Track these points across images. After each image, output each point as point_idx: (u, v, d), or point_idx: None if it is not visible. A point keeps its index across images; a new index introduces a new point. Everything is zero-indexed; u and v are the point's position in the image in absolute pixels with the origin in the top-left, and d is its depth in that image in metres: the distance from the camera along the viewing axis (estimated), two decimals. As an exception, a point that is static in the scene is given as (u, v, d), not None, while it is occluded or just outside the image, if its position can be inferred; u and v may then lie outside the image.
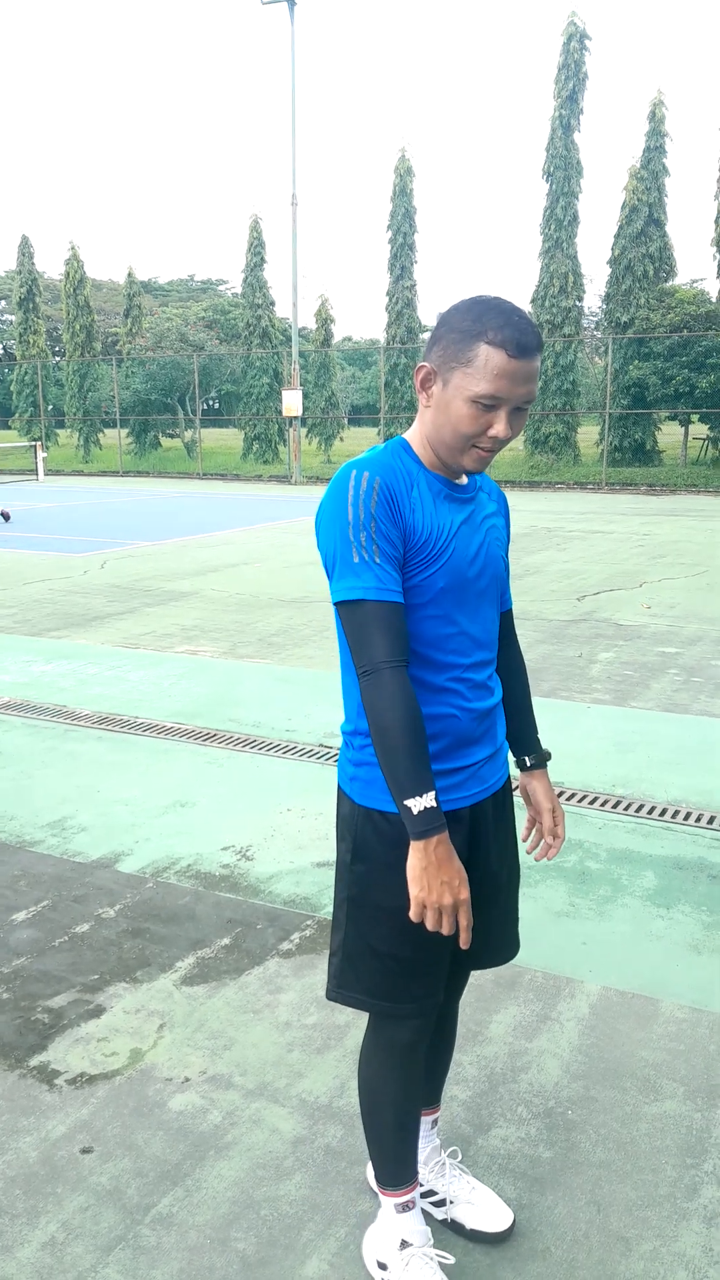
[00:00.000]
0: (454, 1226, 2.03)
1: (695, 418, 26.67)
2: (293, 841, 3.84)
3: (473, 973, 2.48)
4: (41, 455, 29.73)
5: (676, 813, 4.10)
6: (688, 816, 4.06)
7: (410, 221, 31.17)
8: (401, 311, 31.40)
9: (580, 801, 4.22)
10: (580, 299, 28.11)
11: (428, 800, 1.57)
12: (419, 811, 1.57)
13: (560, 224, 27.29)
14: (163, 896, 3.42)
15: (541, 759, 1.98)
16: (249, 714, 5.52)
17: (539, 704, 5.46)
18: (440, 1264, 1.88)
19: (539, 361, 1.63)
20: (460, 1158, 2.16)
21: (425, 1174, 2.07)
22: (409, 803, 1.57)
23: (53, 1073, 2.50)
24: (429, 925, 1.59)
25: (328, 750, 4.89)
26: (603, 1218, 2.04)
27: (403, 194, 30.95)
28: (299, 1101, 2.38)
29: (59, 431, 40.60)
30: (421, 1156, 2.07)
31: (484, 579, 1.77)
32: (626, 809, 4.13)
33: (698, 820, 4.02)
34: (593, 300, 30.62)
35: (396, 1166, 1.89)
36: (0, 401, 48.83)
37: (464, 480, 1.77)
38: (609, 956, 3.01)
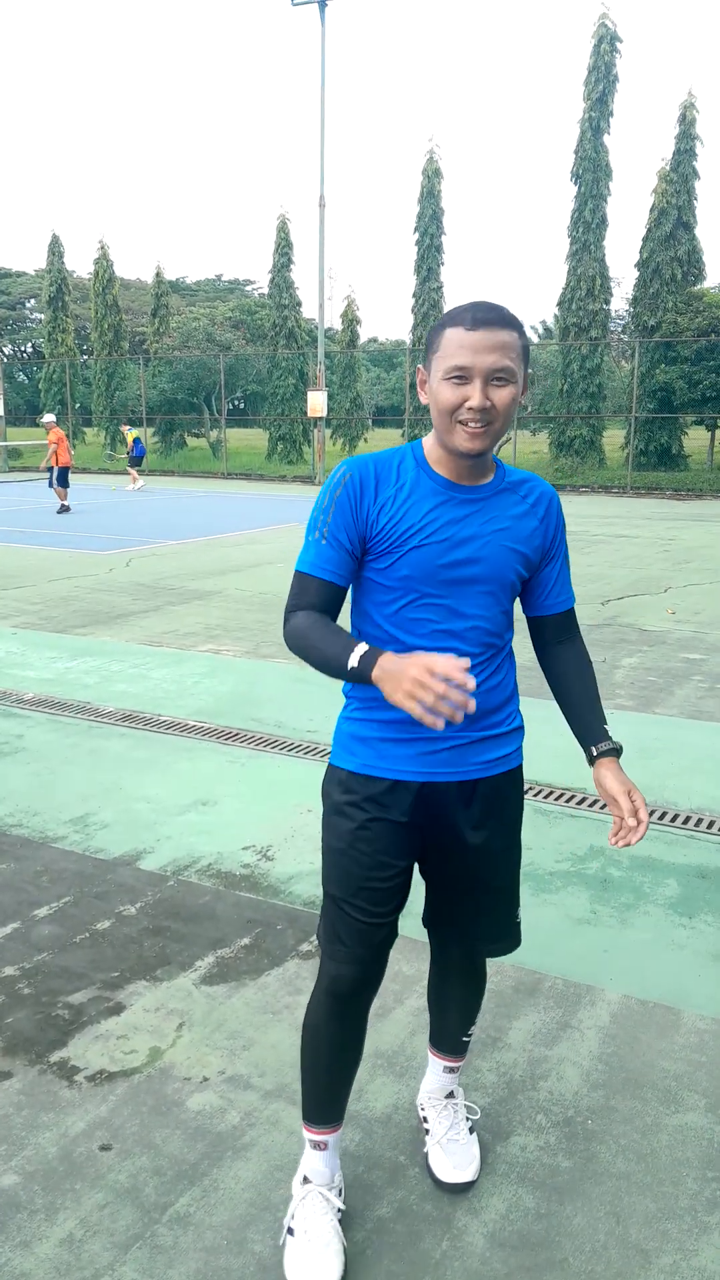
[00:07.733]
0: (425, 1166, 2.17)
1: (722, 422, 26.51)
2: (313, 842, 3.84)
3: (490, 978, 2.47)
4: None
5: (700, 821, 4.07)
6: (711, 825, 4.03)
7: (438, 223, 31.12)
8: (428, 313, 31.35)
9: (602, 808, 4.19)
10: (607, 302, 27.97)
11: (358, 652, 1.62)
12: (356, 661, 1.62)
13: (588, 227, 27.16)
14: (183, 895, 3.43)
15: (604, 750, 1.96)
16: (271, 714, 5.52)
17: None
18: (334, 1208, 1.99)
19: (507, 336, 1.68)
20: (476, 1116, 2.26)
21: (425, 1102, 2.25)
22: (346, 664, 1.64)
23: (73, 1069, 2.51)
24: (428, 700, 1.47)
25: (349, 752, 4.88)
26: (622, 1229, 2.02)
27: (430, 196, 30.92)
28: (317, 1104, 2.38)
29: (86, 430, 40.81)
30: (428, 1088, 2.26)
31: (462, 573, 1.80)
32: (649, 816, 4.09)
33: (721, 829, 3.98)
34: (620, 303, 30.52)
35: (318, 1105, 2.02)
36: (29, 399, 49.18)
37: (477, 481, 1.83)
38: (630, 965, 2.99)
